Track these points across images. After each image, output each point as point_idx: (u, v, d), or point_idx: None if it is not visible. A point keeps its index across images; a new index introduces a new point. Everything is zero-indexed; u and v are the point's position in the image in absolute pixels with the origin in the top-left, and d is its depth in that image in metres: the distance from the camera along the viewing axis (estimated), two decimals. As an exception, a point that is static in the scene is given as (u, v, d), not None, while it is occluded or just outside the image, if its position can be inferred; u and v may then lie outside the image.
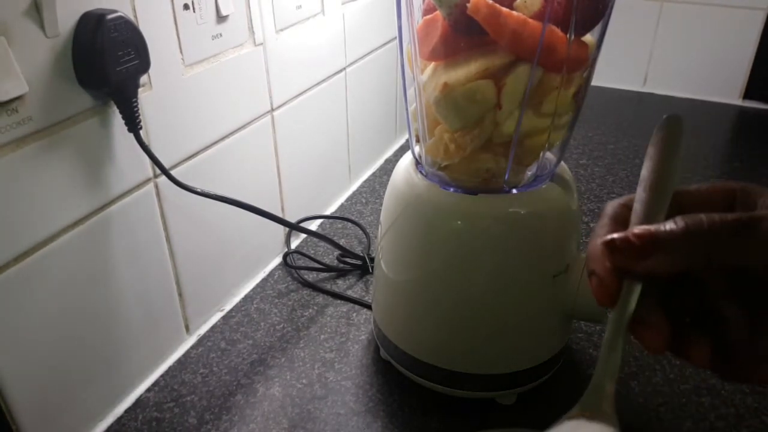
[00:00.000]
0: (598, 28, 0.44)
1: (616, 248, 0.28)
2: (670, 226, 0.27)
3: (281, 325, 0.62)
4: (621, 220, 0.31)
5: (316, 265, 0.70)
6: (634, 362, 0.57)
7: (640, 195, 0.31)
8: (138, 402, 0.54)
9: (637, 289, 0.28)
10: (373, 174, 0.92)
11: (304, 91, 0.72)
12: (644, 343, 0.28)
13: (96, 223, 0.48)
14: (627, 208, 0.31)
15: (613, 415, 0.29)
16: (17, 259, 0.42)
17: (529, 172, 0.48)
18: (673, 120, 0.34)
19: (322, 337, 0.61)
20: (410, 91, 0.49)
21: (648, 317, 0.28)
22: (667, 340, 0.28)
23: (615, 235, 0.28)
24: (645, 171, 0.32)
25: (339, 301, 0.66)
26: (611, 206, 0.32)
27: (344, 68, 0.80)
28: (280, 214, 0.72)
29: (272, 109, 0.66)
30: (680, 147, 0.33)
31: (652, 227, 0.28)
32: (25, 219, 0.42)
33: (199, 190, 0.55)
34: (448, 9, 0.41)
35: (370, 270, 0.70)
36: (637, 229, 0.28)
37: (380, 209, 0.54)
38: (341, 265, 0.71)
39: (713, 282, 0.29)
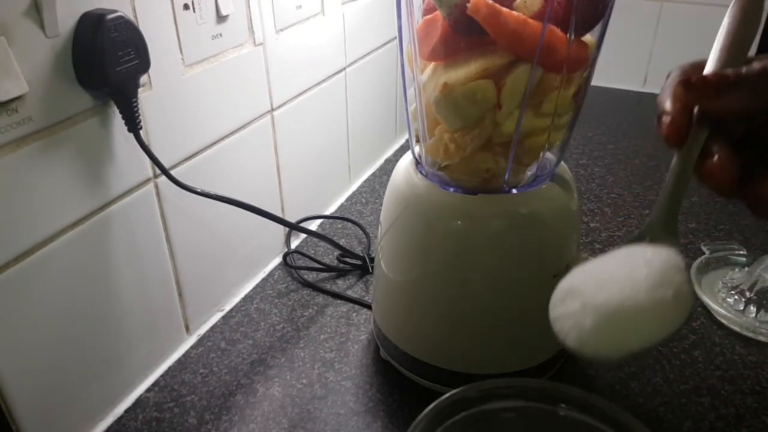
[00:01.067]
0: (598, 28, 0.44)
1: (692, 86, 0.28)
2: (747, 68, 0.27)
3: (281, 325, 0.62)
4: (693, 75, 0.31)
5: (316, 265, 0.70)
6: (634, 362, 0.57)
7: (713, 55, 0.31)
8: (138, 402, 0.54)
9: (705, 134, 0.29)
10: (373, 174, 0.92)
11: (304, 91, 0.72)
12: (712, 178, 0.28)
13: (96, 223, 0.48)
14: (698, 68, 0.31)
15: (675, 239, 0.29)
16: (17, 259, 0.42)
17: (529, 172, 0.48)
18: None
19: (322, 337, 0.61)
20: (410, 91, 0.49)
21: (717, 151, 0.28)
22: (735, 175, 0.28)
23: (692, 77, 0.28)
24: (719, 37, 0.32)
25: (339, 301, 0.66)
26: (681, 66, 0.32)
27: (344, 68, 0.80)
28: (280, 214, 0.72)
29: (272, 109, 0.66)
30: (759, 15, 0.33)
31: (728, 70, 0.28)
32: (25, 219, 0.42)
33: (199, 190, 0.55)
34: (448, 9, 0.41)
35: (370, 270, 0.70)
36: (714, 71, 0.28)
37: (380, 209, 0.54)
38: (341, 265, 0.71)
39: None
